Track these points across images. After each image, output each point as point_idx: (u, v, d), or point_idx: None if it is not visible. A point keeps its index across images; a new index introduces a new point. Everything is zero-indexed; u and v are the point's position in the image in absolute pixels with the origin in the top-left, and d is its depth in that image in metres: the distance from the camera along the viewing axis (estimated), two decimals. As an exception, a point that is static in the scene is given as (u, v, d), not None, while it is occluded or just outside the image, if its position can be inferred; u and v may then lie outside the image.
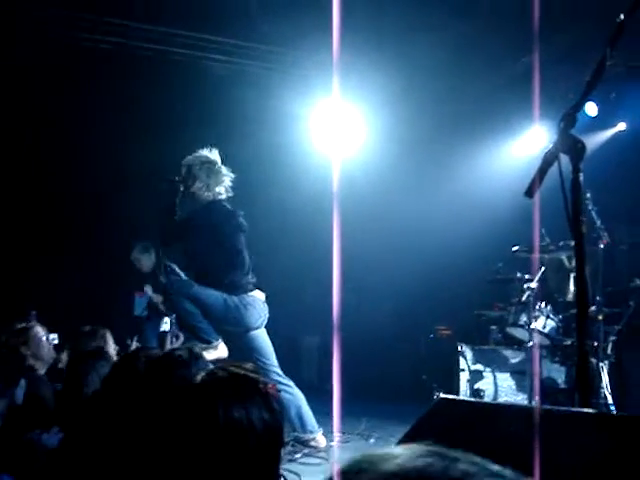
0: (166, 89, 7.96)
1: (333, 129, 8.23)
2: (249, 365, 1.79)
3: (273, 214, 8.93)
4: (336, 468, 0.83)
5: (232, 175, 5.48)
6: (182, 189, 5.42)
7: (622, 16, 2.27)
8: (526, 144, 8.70)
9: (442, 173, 8.79)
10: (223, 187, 5.40)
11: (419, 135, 8.74)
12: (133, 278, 8.40)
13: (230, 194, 5.46)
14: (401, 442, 2.03)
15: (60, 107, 7.84)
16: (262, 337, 5.43)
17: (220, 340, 5.26)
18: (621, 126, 8.29)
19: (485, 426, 2.17)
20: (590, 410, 1.97)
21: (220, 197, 5.39)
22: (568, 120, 2.20)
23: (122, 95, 7.86)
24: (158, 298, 8.05)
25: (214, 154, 5.46)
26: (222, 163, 5.50)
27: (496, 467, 0.80)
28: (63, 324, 5.16)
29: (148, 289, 8.24)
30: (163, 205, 5.48)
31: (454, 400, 2.15)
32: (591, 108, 8.12)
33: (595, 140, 8.37)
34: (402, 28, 7.11)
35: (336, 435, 5.85)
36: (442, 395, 2.15)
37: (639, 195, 7.61)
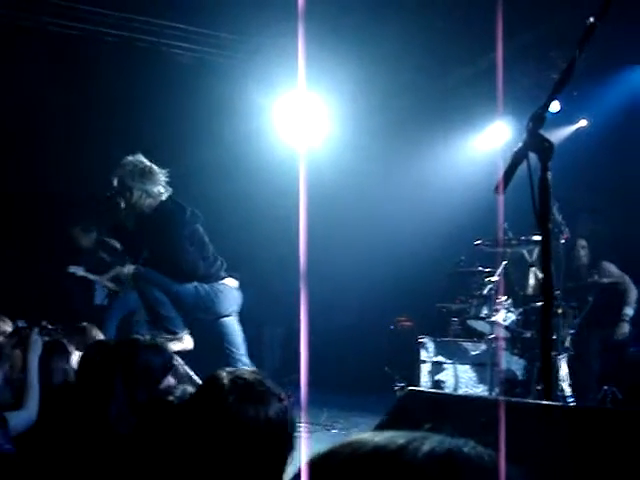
0: (128, 76, 7.87)
1: (298, 120, 8.23)
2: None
3: (239, 206, 8.93)
4: (305, 459, 0.85)
5: (164, 170, 5.36)
6: (122, 204, 5.24)
7: (592, 19, 2.31)
8: (489, 139, 8.80)
9: (406, 165, 8.85)
10: (161, 186, 5.26)
11: (384, 126, 8.78)
12: (65, 254, 8.29)
13: (169, 189, 5.34)
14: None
15: (18, 91, 7.71)
16: (233, 325, 5.42)
17: (186, 331, 5.23)
18: (583, 122, 8.44)
19: (453, 418, 2.21)
20: (556, 403, 2.02)
21: (162, 198, 5.28)
22: (537, 120, 2.24)
23: (84, 81, 7.76)
24: (102, 279, 8.07)
25: (138, 157, 5.31)
26: (153, 161, 5.40)
27: (472, 443, 0.83)
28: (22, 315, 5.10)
29: (78, 270, 8.09)
30: (112, 225, 5.40)
31: (421, 392, 2.19)
32: (554, 105, 8.23)
33: (557, 136, 8.49)
34: (366, 19, 7.14)
35: (301, 426, 5.88)
36: (410, 388, 2.18)
37: (599, 190, 7.76)
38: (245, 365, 5.33)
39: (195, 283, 5.23)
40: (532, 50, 7.69)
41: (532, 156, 2.32)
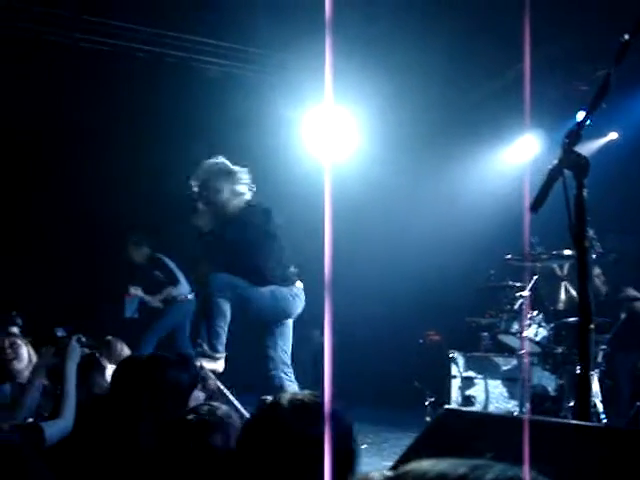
0: (158, 90, 7.95)
1: (326, 134, 8.24)
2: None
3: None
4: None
5: (245, 168, 5.28)
6: (206, 205, 5.16)
7: (627, 36, 2.30)
8: (517, 152, 8.77)
9: (435, 179, 8.83)
10: (245, 186, 5.20)
11: (412, 141, 8.77)
12: (123, 274, 8.32)
13: (253, 187, 5.28)
14: (407, 454, 2.04)
15: (51, 107, 7.82)
16: (291, 327, 5.40)
17: (224, 354, 5.07)
18: (613, 135, 8.37)
19: (492, 438, 2.19)
20: (597, 424, 2.00)
21: (247, 197, 5.21)
22: (572, 137, 2.23)
23: (114, 96, 7.85)
24: (154, 300, 8.11)
25: (219, 158, 5.24)
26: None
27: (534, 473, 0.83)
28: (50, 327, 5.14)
29: (137, 290, 8.12)
30: (202, 228, 5.23)
31: (458, 410, 2.17)
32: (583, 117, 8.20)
33: (588, 149, 8.42)
34: (394, 33, 7.15)
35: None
36: (447, 407, 2.17)
37: (629, 205, 7.69)
38: (288, 367, 5.25)
39: (273, 287, 5.14)
40: (560, 62, 7.65)
41: (567, 173, 2.30)
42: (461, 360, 6.60)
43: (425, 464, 0.85)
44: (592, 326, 5.90)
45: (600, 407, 5.94)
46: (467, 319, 7.48)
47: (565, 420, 2.11)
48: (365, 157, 8.57)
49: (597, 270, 6.95)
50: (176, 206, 6.26)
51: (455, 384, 6.53)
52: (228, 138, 8.39)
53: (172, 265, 8.17)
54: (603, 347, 6.27)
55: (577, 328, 2.32)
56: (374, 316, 9.58)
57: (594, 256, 5.86)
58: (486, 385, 6.31)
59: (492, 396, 6.32)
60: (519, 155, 8.68)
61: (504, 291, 6.61)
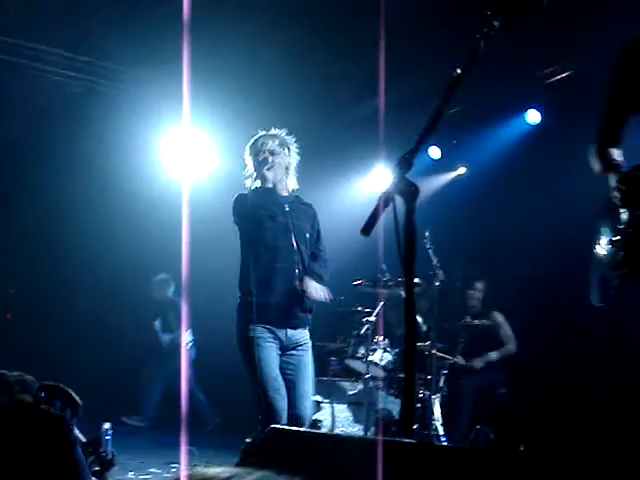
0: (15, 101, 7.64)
1: (183, 153, 8.19)
2: None
3: (125, 242, 8.81)
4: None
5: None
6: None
7: (459, 70, 2.41)
8: (372, 182, 9.00)
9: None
10: None
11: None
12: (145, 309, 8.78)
13: None
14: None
15: None
16: None
17: None
18: (461, 170, 8.77)
19: (314, 456, 2.22)
20: (425, 441, 2.06)
21: None
22: (403, 164, 2.30)
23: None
24: (165, 338, 8.67)
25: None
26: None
27: None
28: None
29: (157, 323, 8.71)
30: None
31: (283, 430, 2.18)
32: (435, 152, 8.57)
33: (438, 182, 8.81)
34: (244, 61, 7.22)
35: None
36: (272, 426, 2.18)
37: (475, 235, 8.05)
38: None
39: None
40: (412, 98, 7.93)
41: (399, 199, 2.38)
42: (309, 384, 6.64)
43: (203, 470, 0.86)
44: (434, 351, 6.14)
45: (441, 430, 6.16)
46: (317, 343, 7.55)
47: (389, 438, 2.15)
48: (224, 175, 8.57)
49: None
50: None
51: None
52: (89, 154, 8.21)
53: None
54: (445, 372, 6.52)
55: (404, 354, 2.39)
56: (228, 338, 9.47)
57: (437, 283, 6.11)
58: (332, 409, 6.38)
59: (338, 420, 6.40)
60: (373, 185, 8.90)
61: (353, 316, 6.74)
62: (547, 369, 7.01)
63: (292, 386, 4.46)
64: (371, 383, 6.34)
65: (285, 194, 4.77)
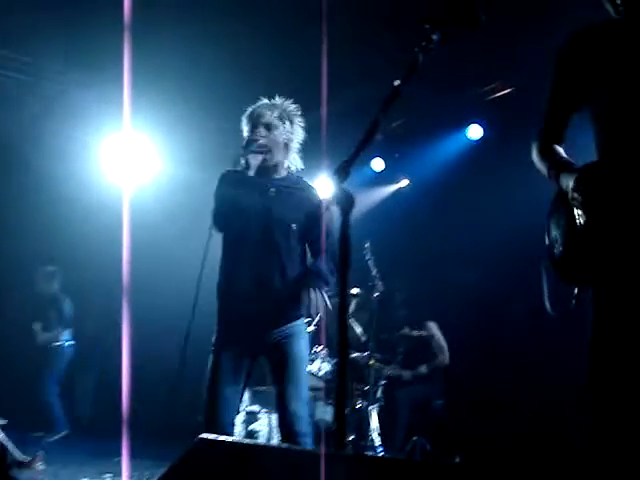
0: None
1: (124, 158, 8.06)
2: None
3: (65, 247, 8.64)
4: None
5: None
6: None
7: (398, 82, 2.41)
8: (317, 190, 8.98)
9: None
10: None
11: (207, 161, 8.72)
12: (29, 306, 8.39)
13: None
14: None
15: None
16: None
17: None
18: (404, 182, 8.85)
19: (245, 468, 2.19)
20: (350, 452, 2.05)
21: None
22: (340, 173, 2.29)
23: None
24: (46, 337, 8.22)
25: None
26: None
27: None
28: None
29: (37, 326, 8.29)
30: None
31: (213, 440, 2.15)
32: (378, 164, 8.63)
33: (380, 194, 8.87)
34: (186, 63, 7.14)
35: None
36: (202, 435, 2.14)
37: (416, 247, 8.12)
38: None
39: None
40: (355, 108, 7.95)
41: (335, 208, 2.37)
42: (246, 394, 6.58)
43: None
44: (371, 362, 6.14)
45: (377, 440, 6.17)
46: (257, 353, 7.50)
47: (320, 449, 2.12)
48: (165, 179, 8.47)
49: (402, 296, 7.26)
50: None
51: (239, 419, 6.49)
52: (25, 155, 8.04)
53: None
54: (383, 382, 6.53)
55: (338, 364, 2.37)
56: (170, 344, 9.34)
57: (376, 294, 6.13)
58: (270, 420, 6.33)
59: (276, 430, 6.34)
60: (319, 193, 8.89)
61: (294, 327, 6.69)
62: (486, 382, 7.09)
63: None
64: (310, 393, 6.31)
65: (282, 174, 4.13)
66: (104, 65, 6.84)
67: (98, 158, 8.35)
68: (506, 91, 7.45)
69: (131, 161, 7.91)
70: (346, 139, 7.92)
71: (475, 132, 7.93)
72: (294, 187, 4.10)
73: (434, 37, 2.49)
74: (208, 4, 6.31)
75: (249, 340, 3.93)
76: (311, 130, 4.36)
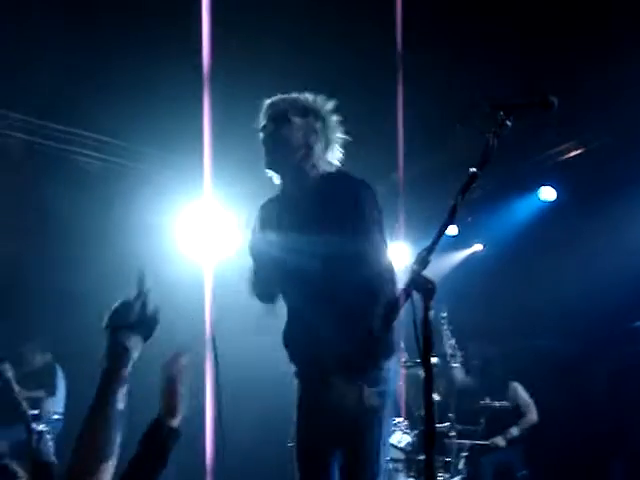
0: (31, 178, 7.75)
1: (203, 233, 7.89)
2: None
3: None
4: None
5: None
6: None
7: (474, 169, 2.46)
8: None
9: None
10: None
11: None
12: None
13: None
14: None
15: None
16: None
17: None
18: (477, 247, 8.82)
19: None
20: None
21: None
22: (420, 262, 2.35)
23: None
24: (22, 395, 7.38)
25: None
26: None
27: None
28: None
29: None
30: None
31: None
32: (451, 229, 8.63)
33: (455, 259, 8.85)
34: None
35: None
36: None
37: (490, 312, 8.04)
38: None
39: None
40: (430, 175, 8.02)
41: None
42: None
43: None
44: (453, 433, 6.05)
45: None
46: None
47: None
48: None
49: (461, 376, 7.17)
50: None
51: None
52: (112, 237, 8.13)
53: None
54: (465, 454, 6.41)
55: (426, 437, 2.40)
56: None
57: (456, 365, 6.07)
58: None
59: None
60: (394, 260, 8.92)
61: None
62: (569, 448, 6.91)
63: None
64: (390, 465, 6.22)
65: (312, 177, 3.32)
66: (182, 139, 7.00)
67: (176, 234, 8.35)
68: (577, 152, 7.44)
69: (212, 234, 7.67)
70: (422, 204, 7.95)
71: (548, 194, 7.90)
72: (327, 188, 3.43)
73: (508, 123, 2.54)
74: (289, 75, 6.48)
75: None
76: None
